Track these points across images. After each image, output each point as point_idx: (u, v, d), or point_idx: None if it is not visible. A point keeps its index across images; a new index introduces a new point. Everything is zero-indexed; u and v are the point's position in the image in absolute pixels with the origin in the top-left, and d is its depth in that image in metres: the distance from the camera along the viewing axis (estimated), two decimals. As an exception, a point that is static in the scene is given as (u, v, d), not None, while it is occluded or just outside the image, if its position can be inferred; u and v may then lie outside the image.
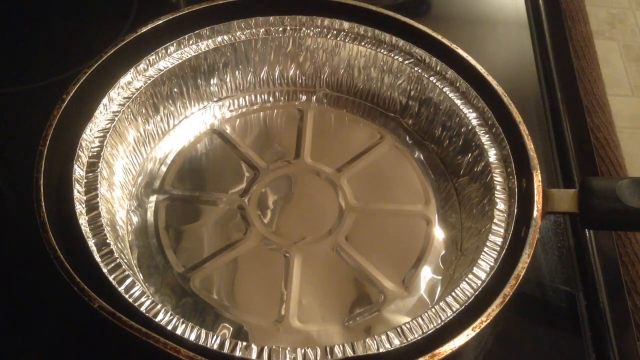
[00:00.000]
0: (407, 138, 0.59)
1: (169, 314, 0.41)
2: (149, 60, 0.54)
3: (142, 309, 0.41)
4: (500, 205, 0.49)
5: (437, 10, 0.74)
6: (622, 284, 0.52)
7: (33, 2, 0.70)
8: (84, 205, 0.46)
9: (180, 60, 0.55)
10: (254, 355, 0.39)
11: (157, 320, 0.40)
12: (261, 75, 0.60)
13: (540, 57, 0.69)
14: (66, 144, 0.48)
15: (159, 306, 0.42)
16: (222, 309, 0.47)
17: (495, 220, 0.48)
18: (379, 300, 0.49)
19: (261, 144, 0.58)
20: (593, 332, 0.49)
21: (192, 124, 0.58)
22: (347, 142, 0.59)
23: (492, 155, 0.52)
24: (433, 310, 0.43)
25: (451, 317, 0.42)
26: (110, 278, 0.42)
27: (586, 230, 0.54)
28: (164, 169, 0.55)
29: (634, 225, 0.48)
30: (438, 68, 0.56)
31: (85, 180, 0.47)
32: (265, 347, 0.40)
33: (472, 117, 0.54)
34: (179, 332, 0.40)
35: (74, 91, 0.50)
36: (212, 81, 0.58)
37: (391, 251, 0.52)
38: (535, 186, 0.48)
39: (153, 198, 0.53)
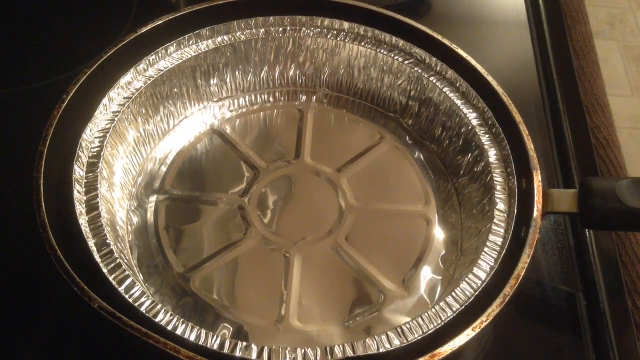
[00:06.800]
0: (407, 138, 0.59)
1: (169, 314, 0.41)
2: (149, 60, 0.54)
3: (142, 309, 0.41)
4: (500, 205, 0.49)
5: (437, 10, 0.74)
6: (622, 284, 0.52)
7: (33, 2, 0.70)
8: (84, 205, 0.46)
9: (180, 60, 0.55)
10: (254, 355, 0.39)
11: (157, 320, 0.40)
12: (261, 75, 0.60)
13: (540, 57, 0.69)
14: (66, 144, 0.48)
15: (159, 306, 0.42)
16: (222, 309, 0.47)
17: (495, 220, 0.48)
18: (379, 300, 0.49)
19: (261, 144, 0.58)
20: (593, 332, 0.49)
21: (192, 124, 0.58)
22: (347, 142, 0.59)
23: (492, 155, 0.52)
24: (433, 310, 0.43)
25: (451, 317, 0.42)
26: (110, 278, 0.42)
27: (586, 230, 0.54)
28: (164, 169, 0.55)
29: (634, 225, 0.48)
30: (438, 68, 0.56)
31: (85, 180, 0.47)
32: (265, 347, 0.40)
33: (472, 117, 0.54)
34: (179, 332, 0.40)
35: (74, 91, 0.50)
36: (212, 81, 0.58)
37: (391, 251, 0.52)
38: (535, 186, 0.48)
39: (153, 198, 0.53)
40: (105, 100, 0.51)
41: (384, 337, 0.41)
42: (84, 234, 0.44)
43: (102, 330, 0.43)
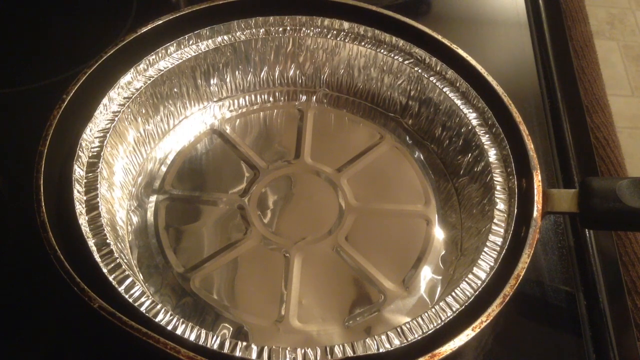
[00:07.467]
0: (407, 138, 0.59)
1: (169, 314, 0.41)
2: (149, 60, 0.54)
3: (142, 309, 0.41)
4: (500, 205, 0.49)
5: (437, 10, 0.74)
6: (622, 284, 0.52)
7: (33, 2, 0.70)
8: (84, 205, 0.46)
9: (180, 60, 0.55)
10: (254, 355, 0.39)
11: (157, 320, 0.40)
12: (261, 75, 0.60)
13: (540, 57, 0.69)
14: (66, 144, 0.48)
15: (159, 306, 0.42)
16: (222, 309, 0.47)
17: (495, 220, 0.48)
18: (379, 300, 0.49)
19: (261, 144, 0.58)
20: (593, 332, 0.49)
21: (192, 124, 0.58)
22: (347, 142, 0.59)
23: (492, 155, 0.52)
24: (433, 310, 0.43)
25: (451, 317, 0.42)
26: (110, 278, 0.42)
27: (586, 230, 0.54)
28: (164, 169, 0.55)
29: (634, 225, 0.48)
30: (438, 68, 0.56)
31: (85, 180, 0.47)
32: (265, 347, 0.40)
33: (472, 117, 0.54)
34: (179, 332, 0.40)
35: (74, 91, 0.50)
36: (212, 81, 0.58)
37: (391, 251, 0.52)
38: (535, 186, 0.48)
39: (153, 198, 0.53)
40: (105, 100, 0.51)
41: (384, 337, 0.41)
42: (84, 234, 0.44)
43: (102, 330, 0.43)
